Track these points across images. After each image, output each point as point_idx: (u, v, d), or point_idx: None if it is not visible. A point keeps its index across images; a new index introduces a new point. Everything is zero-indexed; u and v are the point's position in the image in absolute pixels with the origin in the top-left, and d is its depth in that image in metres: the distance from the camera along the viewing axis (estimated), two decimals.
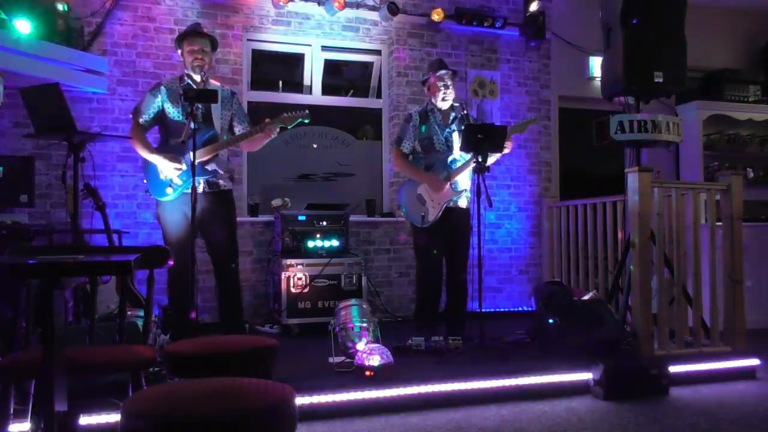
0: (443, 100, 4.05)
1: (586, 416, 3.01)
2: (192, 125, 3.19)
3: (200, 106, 3.55)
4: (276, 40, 5.37)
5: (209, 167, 3.61)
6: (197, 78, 3.62)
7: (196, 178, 3.53)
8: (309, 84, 5.55)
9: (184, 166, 3.51)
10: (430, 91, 4.11)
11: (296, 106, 5.40)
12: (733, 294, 3.90)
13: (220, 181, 3.67)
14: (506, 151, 4.00)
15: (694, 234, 3.93)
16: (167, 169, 3.54)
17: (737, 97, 5.96)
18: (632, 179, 3.73)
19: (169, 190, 3.55)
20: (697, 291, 3.90)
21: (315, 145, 5.57)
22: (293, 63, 5.59)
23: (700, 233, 3.94)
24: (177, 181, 3.54)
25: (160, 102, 3.61)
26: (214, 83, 3.76)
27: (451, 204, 4.00)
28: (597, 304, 3.85)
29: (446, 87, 4.04)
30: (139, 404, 1.38)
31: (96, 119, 4.72)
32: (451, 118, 4.09)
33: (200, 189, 3.56)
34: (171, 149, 3.56)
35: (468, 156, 3.91)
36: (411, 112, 4.19)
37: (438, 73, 4.04)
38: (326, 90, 5.62)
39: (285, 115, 3.65)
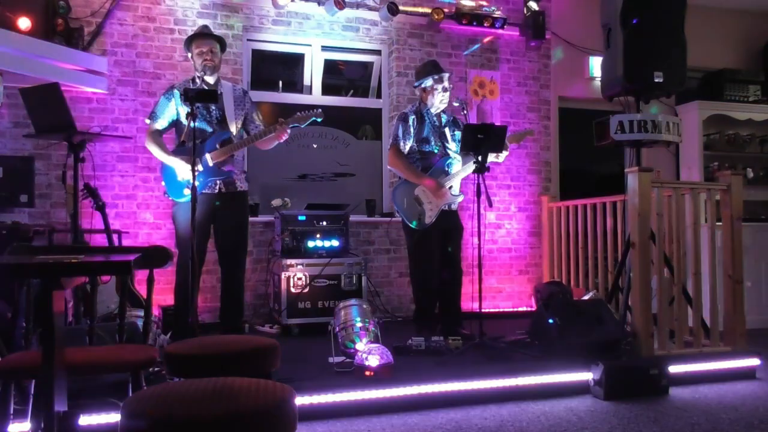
0: (441, 102, 4.04)
1: (586, 416, 3.01)
2: (192, 125, 3.21)
3: (214, 107, 3.63)
4: (276, 40, 5.37)
5: (225, 168, 3.66)
6: (209, 79, 3.68)
7: (213, 178, 3.61)
8: (309, 84, 5.55)
9: (200, 168, 3.55)
10: (426, 93, 4.08)
11: (301, 106, 5.42)
12: (733, 294, 3.90)
13: (237, 182, 3.72)
14: (500, 159, 4.02)
15: (694, 234, 3.93)
16: (184, 171, 3.56)
17: (737, 97, 5.96)
18: (632, 179, 3.73)
19: (186, 191, 3.56)
20: (697, 291, 3.90)
21: (315, 145, 5.57)
22: (293, 63, 5.58)
23: (700, 233, 3.94)
24: (194, 182, 3.55)
25: (174, 106, 3.68)
26: (226, 83, 3.82)
27: (446, 207, 4.00)
28: (597, 304, 3.85)
29: (445, 90, 4.03)
30: (139, 404, 1.38)
31: (96, 119, 4.72)
32: (444, 120, 4.09)
33: (217, 189, 3.65)
34: (185, 152, 3.59)
35: (465, 159, 3.93)
36: (406, 112, 4.15)
37: (437, 76, 4.03)
38: (326, 90, 5.62)
39: (299, 114, 3.71)
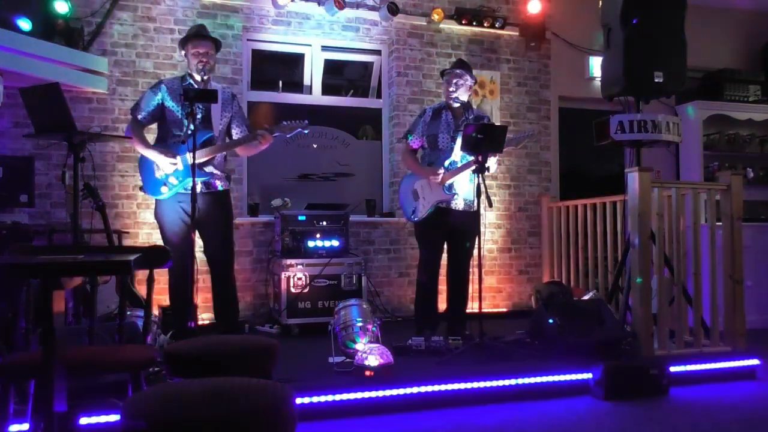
0: (450, 99, 4.08)
1: (586, 416, 3.01)
2: (191, 126, 3.19)
3: (200, 106, 3.57)
4: (276, 40, 5.37)
5: (206, 168, 3.61)
6: (198, 78, 3.63)
7: (191, 178, 3.55)
8: (309, 84, 5.55)
9: (180, 163, 3.53)
10: (443, 90, 4.20)
11: (301, 106, 5.44)
12: (733, 294, 3.90)
13: (216, 182, 3.67)
14: (491, 169, 4.02)
15: (694, 234, 3.93)
16: (163, 164, 3.54)
17: (737, 97, 5.96)
18: (632, 179, 3.73)
19: (164, 188, 3.57)
20: (697, 291, 3.89)
21: (315, 145, 5.57)
22: (293, 63, 5.58)
23: (700, 233, 3.94)
24: (172, 180, 3.56)
25: (160, 98, 3.62)
26: (216, 85, 3.78)
27: (443, 205, 4.00)
28: (597, 304, 3.85)
29: (454, 86, 4.06)
30: (139, 404, 1.38)
31: (96, 119, 4.72)
32: (462, 119, 4.10)
33: (197, 189, 3.56)
34: (168, 147, 3.58)
35: (468, 159, 3.92)
36: (426, 108, 4.26)
37: (448, 71, 4.12)
38: (326, 90, 5.62)
39: (285, 123, 3.66)
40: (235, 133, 3.79)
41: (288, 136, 3.73)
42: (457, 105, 4.09)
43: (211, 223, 3.65)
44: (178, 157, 3.54)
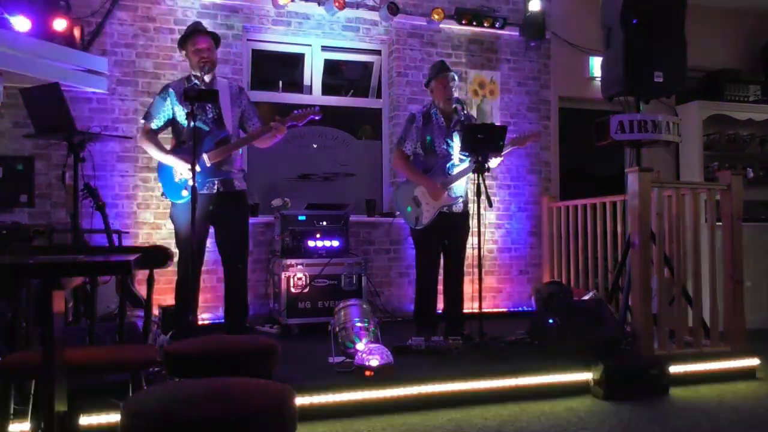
0: (448, 100, 4.05)
1: (586, 416, 3.01)
2: (192, 125, 3.19)
3: (210, 106, 3.57)
4: (276, 40, 5.37)
5: (224, 168, 3.61)
6: (206, 78, 3.62)
7: (210, 179, 3.56)
8: (309, 84, 5.55)
9: (198, 168, 3.51)
10: (433, 94, 4.12)
11: (301, 106, 5.41)
12: (733, 294, 3.90)
13: (235, 181, 3.68)
14: (493, 165, 4.02)
15: (694, 234, 3.93)
16: (183, 170, 3.54)
17: (737, 97, 5.96)
18: (632, 179, 3.73)
19: (184, 192, 3.56)
20: (697, 291, 3.90)
21: (315, 145, 5.57)
22: (293, 63, 5.59)
23: (700, 233, 3.94)
24: (191, 182, 3.53)
25: (170, 105, 3.63)
26: (222, 80, 3.78)
27: (446, 210, 4.00)
28: (597, 304, 3.85)
29: (449, 89, 4.03)
30: (139, 404, 1.38)
31: (96, 119, 4.71)
32: (454, 121, 4.09)
33: (215, 189, 3.59)
34: (184, 151, 3.55)
35: (467, 162, 3.92)
36: (414, 113, 4.17)
37: (440, 76, 4.04)
38: (326, 90, 5.62)
39: (296, 112, 3.66)
40: (248, 127, 3.78)
41: (301, 124, 3.70)
42: (453, 106, 4.07)
43: (228, 223, 3.66)
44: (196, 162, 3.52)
